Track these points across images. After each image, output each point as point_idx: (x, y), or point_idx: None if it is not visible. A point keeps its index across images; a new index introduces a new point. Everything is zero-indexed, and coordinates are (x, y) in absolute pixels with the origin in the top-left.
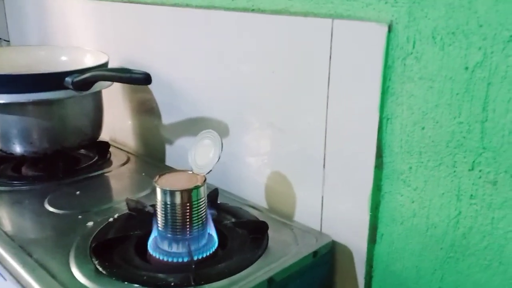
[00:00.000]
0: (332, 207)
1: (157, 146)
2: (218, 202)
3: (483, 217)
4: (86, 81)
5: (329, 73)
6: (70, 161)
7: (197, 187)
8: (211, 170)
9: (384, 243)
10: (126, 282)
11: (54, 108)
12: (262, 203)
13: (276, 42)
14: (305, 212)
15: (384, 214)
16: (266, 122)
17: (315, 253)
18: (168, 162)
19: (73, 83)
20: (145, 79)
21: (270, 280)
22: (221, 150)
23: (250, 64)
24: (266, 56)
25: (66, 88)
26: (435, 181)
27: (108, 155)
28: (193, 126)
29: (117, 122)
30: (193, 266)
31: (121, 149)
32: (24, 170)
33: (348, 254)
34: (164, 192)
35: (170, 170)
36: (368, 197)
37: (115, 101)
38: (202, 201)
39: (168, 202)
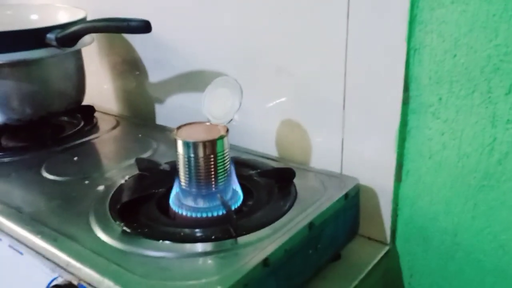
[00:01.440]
0: (353, 149)
1: (144, 106)
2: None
3: None
4: (72, 35)
5: (348, 4)
6: (55, 129)
7: (221, 137)
8: (232, 119)
9: (411, 179)
10: (162, 241)
11: (35, 69)
12: (273, 153)
13: None
14: (323, 157)
15: (410, 151)
16: (274, 67)
17: (346, 195)
18: (159, 121)
19: (57, 38)
20: (145, 26)
21: (311, 225)
22: (242, 96)
23: (253, 2)
24: None
25: (48, 45)
26: (467, 110)
27: (94, 120)
28: (187, 81)
29: (95, 86)
30: (234, 217)
31: (106, 113)
32: (3, 141)
33: (372, 194)
34: (187, 144)
35: (187, 122)
36: (395, 134)
37: (90, 62)
38: (227, 152)
39: (192, 155)
